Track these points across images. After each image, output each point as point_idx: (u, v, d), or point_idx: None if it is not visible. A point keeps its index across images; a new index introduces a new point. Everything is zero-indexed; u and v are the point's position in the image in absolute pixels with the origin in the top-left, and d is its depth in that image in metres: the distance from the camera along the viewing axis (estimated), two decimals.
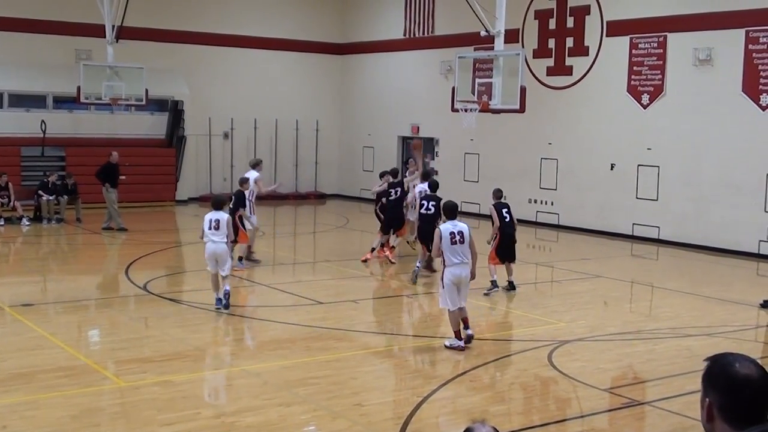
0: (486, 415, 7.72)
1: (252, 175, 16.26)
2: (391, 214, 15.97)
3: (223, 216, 12.05)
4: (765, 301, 13.17)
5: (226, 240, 12.03)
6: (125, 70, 22.08)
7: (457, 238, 10.12)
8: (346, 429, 7.53)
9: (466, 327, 10.29)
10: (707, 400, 2.68)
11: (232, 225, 12.89)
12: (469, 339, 10.27)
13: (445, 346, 10.30)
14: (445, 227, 10.23)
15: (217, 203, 12.29)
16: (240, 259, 15.63)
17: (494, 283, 13.67)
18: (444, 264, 10.16)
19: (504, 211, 13.95)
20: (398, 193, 15.85)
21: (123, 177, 21.06)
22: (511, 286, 13.92)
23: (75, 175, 22.05)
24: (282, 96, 28.35)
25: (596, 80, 21.49)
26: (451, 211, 10.54)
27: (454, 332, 10.23)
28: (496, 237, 13.89)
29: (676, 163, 19.75)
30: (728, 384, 2.63)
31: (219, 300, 12.05)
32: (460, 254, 10.12)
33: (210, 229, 11.96)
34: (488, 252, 13.79)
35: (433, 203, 14.50)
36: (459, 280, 10.13)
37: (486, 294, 13.49)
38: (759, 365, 2.67)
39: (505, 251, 13.88)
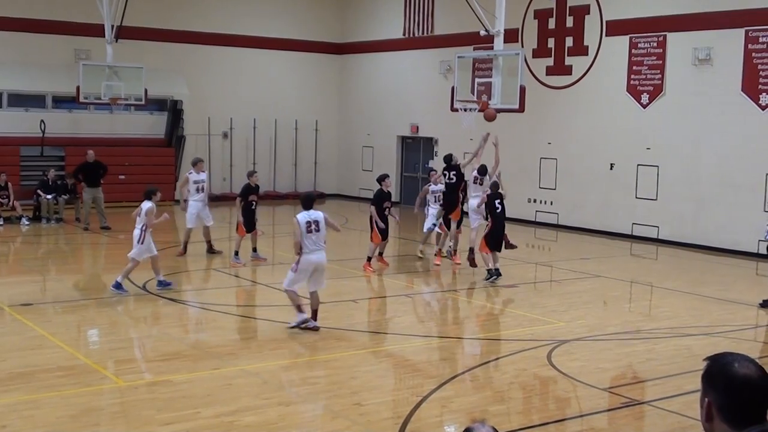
0: (485, 415, 7.73)
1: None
2: (448, 198, 16.21)
3: (143, 205, 12.96)
4: (764, 301, 13.18)
5: (142, 226, 12.81)
6: (124, 70, 22.10)
7: (313, 226, 10.69)
8: (345, 428, 7.53)
9: (314, 318, 10.82)
10: (706, 399, 2.67)
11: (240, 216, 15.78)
12: (316, 329, 10.78)
13: (290, 327, 10.75)
14: (302, 216, 10.71)
15: (144, 193, 13.29)
16: (236, 253, 15.93)
17: (491, 272, 14.40)
18: (301, 251, 10.60)
19: (496, 202, 14.62)
20: (454, 178, 16.12)
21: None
22: (497, 273, 14.51)
23: None
24: (281, 96, 28.34)
25: (596, 80, 21.49)
26: (307, 201, 11.03)
27: (296, 307, 10.78)
28: (488, 225, 14.72)
29: (675, 163, 19.75)
30: (727, 384, 2.62)
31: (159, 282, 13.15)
32: (316, 242, 10.69)
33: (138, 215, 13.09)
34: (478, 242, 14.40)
35: (454, 173, 16.06)
36: (315, 266, 10.71)
37: (490, 282, 14.26)
38: (758, 365, 2.67)
39: (494, 240, 14.57)
